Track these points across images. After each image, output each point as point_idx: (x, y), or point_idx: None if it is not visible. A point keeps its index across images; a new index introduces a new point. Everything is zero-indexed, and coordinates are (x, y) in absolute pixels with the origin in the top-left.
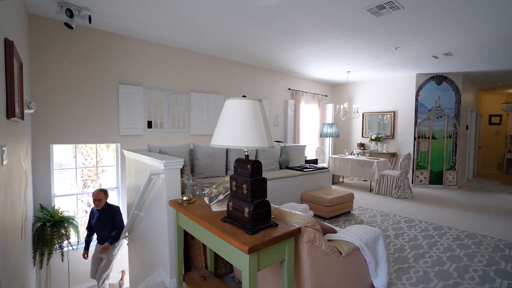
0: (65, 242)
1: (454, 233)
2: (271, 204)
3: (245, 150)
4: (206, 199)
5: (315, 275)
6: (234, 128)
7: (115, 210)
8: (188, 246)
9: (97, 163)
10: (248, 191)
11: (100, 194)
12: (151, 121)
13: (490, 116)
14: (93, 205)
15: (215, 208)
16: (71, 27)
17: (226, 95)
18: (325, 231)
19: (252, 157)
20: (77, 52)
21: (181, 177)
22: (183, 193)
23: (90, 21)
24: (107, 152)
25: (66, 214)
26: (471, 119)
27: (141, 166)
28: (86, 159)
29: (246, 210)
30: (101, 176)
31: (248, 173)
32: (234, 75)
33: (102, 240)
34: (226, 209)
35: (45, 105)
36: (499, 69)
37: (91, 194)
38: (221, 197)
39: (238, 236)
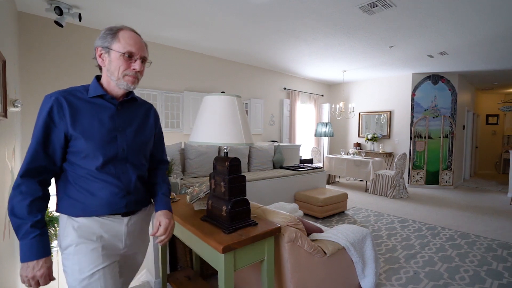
0: (54, 242)
1: (447, 233)
2: (253, 203)
3: (225, 147)
4: (187, 198)
5: (297, 275)
6: (210, 124)
7: (154, 108)
8: (175, 246)
9: None
10: (226, 189)
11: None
12: None
13: (487, 116)
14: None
15: (196, 207)
16: (61, 25)
17: None
18: (311, 230)
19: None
20: (68, 50)
21: (169, 175)
22: None
23: (80, 19)
24: None
25: (55, 214)
26: (468, 119)
27: None
28: None
29: (224, 208)
30: None
31: (226, 171)
32: (228, 74)
33: (129, 203)
34: None
35: (35, 103)
36: (495, 68)
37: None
38: (201, 195)
39: (215, 235)
